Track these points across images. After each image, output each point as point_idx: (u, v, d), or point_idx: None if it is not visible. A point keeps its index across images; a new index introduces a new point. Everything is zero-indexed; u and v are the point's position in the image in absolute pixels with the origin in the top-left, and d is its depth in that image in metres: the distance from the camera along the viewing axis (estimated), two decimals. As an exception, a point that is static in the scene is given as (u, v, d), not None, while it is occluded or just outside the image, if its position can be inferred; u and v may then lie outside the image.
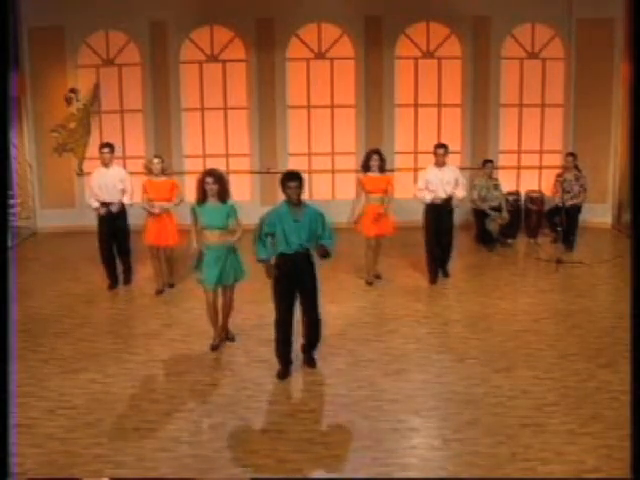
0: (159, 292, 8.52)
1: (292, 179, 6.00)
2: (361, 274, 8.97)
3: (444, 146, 8.76)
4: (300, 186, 6.01)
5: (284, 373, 6.22)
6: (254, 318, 7.54)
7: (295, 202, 6.02)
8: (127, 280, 8.84)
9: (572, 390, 5.88)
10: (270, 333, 7.01)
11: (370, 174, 8.57)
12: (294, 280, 6.10)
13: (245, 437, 5.22)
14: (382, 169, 8.56)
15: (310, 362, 6.36)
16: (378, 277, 8.87)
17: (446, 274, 8.92)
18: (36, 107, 11.65)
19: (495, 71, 11.65)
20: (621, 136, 11.35)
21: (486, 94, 11.66)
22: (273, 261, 6.17)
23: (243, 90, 11.78)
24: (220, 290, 6.74)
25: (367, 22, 11.49)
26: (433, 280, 8.83)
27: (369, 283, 8.76)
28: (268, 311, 7.56)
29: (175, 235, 8.46)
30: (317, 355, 6.45)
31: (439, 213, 8.65)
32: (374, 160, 8.51)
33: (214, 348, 6.82)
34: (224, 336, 6.92)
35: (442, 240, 8.75)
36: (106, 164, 8.57)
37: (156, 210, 8.33)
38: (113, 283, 8.74)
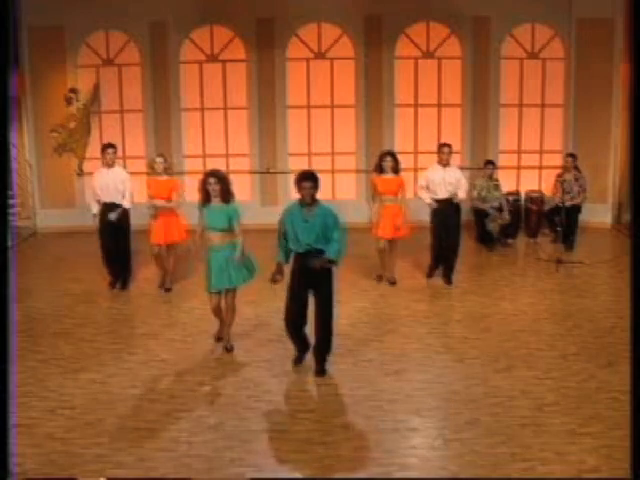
0: (167, 290, 8.52)
1: (306, 179, 5.99)
2: (362, 274, 9.00)
3: (449, 146, 8.74)
4: (314, 187, 6.00)
5: (299, 359, 6.38)
6: (254, 318, 7.55)
7: (308, 202, 6.02)
8: (124, 284, 8.72)
9: (572, 390, 5.88)
10: (270, 333, 7.04)
11: (383, 175, 8.55)
12: (306, 281, 6.08)
13: (245, 437, 5.22)
14: (396, 170, 8.53)
15: (319, 372, 6.22)
16: (393, 283, 8.72)
17: (449, 282, 8.73)
18: (36, 107, 11.64)
19: (495, 71, 11.64)
20: (621, 136, 11.35)
21: (486, 94, 11.65)
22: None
23: (243, 90, 11.77)
24: (223, 292, 6.69)
25: (367, 22, 11.48)
26: (430, 274, 8.95)
27: (379, 278, 8.82)
28: (268, 311, 7.61)
29: (182, 233, 8.46)
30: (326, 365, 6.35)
31: (445, 212, 8.63)
32: (387, 161, 8.46)
33: (218, 339, 6.90)
34: (224, 344, 6.86)
35: (448, 239, 8.69)
36: (109, 165, 8.57)
37: (151, 210, 8.36)
38: (114, 281, 8.73)
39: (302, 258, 6.06)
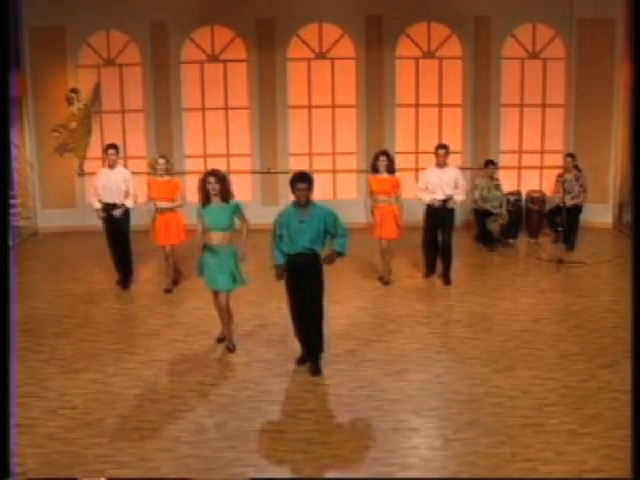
0: (167, 291, 8.51)
1: (301, 181, 6.01)
2: (362, 274, 9.01)
3: (445, 147, 8.77)
4: (308, 188, 6.02)
5: (302, 359, 6.37)
6: (254, 318, 7.55)
7: (303, 203, 6.03)
8: (126, 284, 8.73)
9: (573, 390, 5.88)
10: (270, 333, 7.05)
11: (378, 175, 8.56)
12: (296, 282, 6.13)
13: (245, 437, 5.22)
14: (390, 170, 8.53)
15: (314, 371, 6.24)
16: (387, 283, 8.72)
17: (448, 282, 8.73)
18: (37, 107, 11.64)
19: (496, 71, 11.63)
20: (622, 136, 11.34)
21: (487, 94, 11.64)
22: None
23: (244, 90, 11.77)
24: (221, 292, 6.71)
25: (368, 22, 11.47)
26: (427, 274, 8.96)
27: (380, 279, 8.80)
28: (268, 311, 7.62)
29: (180, 234, 8.46)
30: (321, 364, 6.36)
31: (438, 213, 8.66)
32: (381, 161, 8.48)
33: (219, 341, 6.90)
34: (226, 344, 6.86)
35: (442, 239, 8.74)
36: (111, 165, 8.58)
37: (151, 206, 8.38)
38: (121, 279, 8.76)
39: (293, 259, 6.08)
